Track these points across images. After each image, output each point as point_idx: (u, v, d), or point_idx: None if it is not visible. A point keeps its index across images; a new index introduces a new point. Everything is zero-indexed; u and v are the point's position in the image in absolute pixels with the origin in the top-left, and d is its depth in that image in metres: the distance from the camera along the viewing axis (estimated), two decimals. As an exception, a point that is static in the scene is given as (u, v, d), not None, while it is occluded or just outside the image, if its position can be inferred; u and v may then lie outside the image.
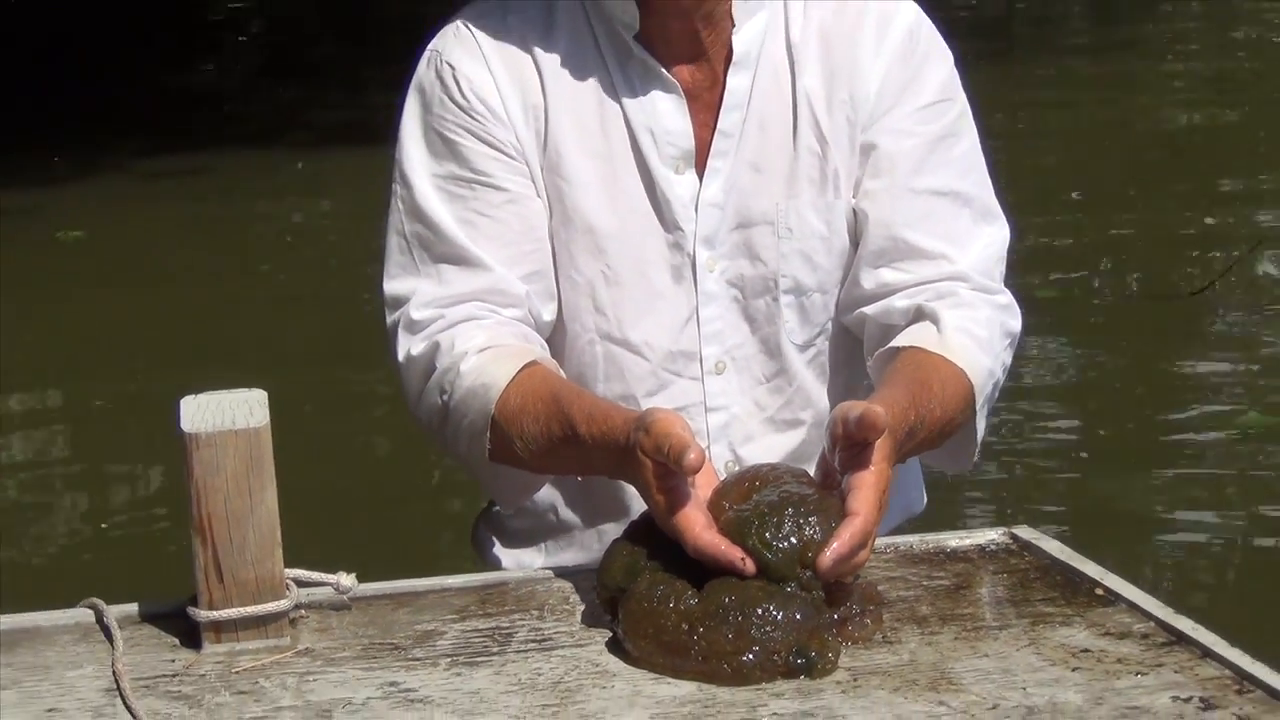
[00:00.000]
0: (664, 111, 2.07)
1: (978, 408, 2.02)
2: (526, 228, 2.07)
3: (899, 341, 2.01)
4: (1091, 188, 7.63)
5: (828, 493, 1.74)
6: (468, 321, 2.03)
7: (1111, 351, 5.99)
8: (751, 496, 1.73)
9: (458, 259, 2.05)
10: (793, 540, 1.67)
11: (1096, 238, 7.01)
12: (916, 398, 1.90)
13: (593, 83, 2.07)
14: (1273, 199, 7.33)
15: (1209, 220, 7.09)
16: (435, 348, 2.02)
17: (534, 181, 2.07)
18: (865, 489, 1.71)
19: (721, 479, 1.80)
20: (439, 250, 2.06)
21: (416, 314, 2.05)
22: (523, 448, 1.97)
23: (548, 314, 2.09)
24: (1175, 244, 6.85)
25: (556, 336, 2.11)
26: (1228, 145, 8.41)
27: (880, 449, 1.73)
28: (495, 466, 2.02)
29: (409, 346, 2.05)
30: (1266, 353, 5.82)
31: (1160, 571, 4.37)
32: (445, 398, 2.01)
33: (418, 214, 2.07)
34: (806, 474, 1.79)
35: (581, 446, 1.90)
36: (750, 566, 1.67)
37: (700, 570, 1.69)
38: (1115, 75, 9.79)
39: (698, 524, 1.70)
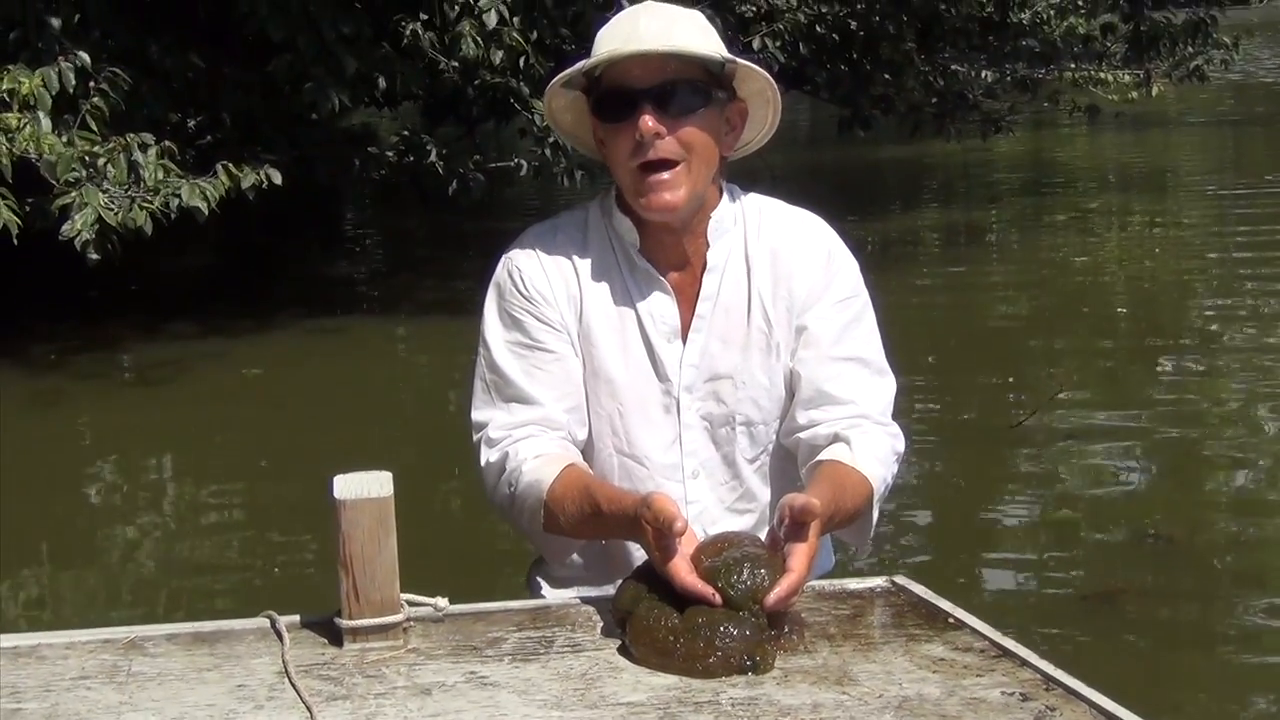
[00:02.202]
0: (659, 301, 2.09)
1: (875, 502, 2.03)
2: (567, 378, 2.08)
3: (823, 456, 2.02)
4: (940, 356, 7.67)
5: (774, 554, 1.75)
6: (527, 439, 2.04)
7: (960, 466, 6.00)
8: (722, 553, 1.74)
9: (521, 398, 2.06)
10: (749, 584, 1.68)
11: (945, 389, 7.03)
12: (836, 494, 1.92)
13: (612, 280, 2.09)
14: (1066, 367, 7.36)
15: (1021, 387, 7.12)
16: (505, 456, 2.03)
17: (573, 346, 2.08)
18: (801, 555, 1.73)
19: (701, 540, 1.81)
20: (508, 392, 2.07)
21: (493, 434, 2.06)
22: (565, 521, 1.98)
23: (581, 434, 2.09)
24: (1000, 395, 6.89)
25: (587, 450, 2.11)
26: (1035, 328, 8.45)
27: (813, 529, 1.74)
28: (547, 535, 2.03)
29: (488, 456, 2.06)
30: (1064, 470, 5.83)
31: (994, 607, 4.37)
32: (511, 489, 2.02)
33: (494, 367, 2.08)
34: (760, 540, 1.80)
35: (604, 520, 1.91)
36: (719, 600, 1.68)
37: (683, 600, 1.70)
38: (956, 280, 9.87)
39: (683, 570, 1.71)
